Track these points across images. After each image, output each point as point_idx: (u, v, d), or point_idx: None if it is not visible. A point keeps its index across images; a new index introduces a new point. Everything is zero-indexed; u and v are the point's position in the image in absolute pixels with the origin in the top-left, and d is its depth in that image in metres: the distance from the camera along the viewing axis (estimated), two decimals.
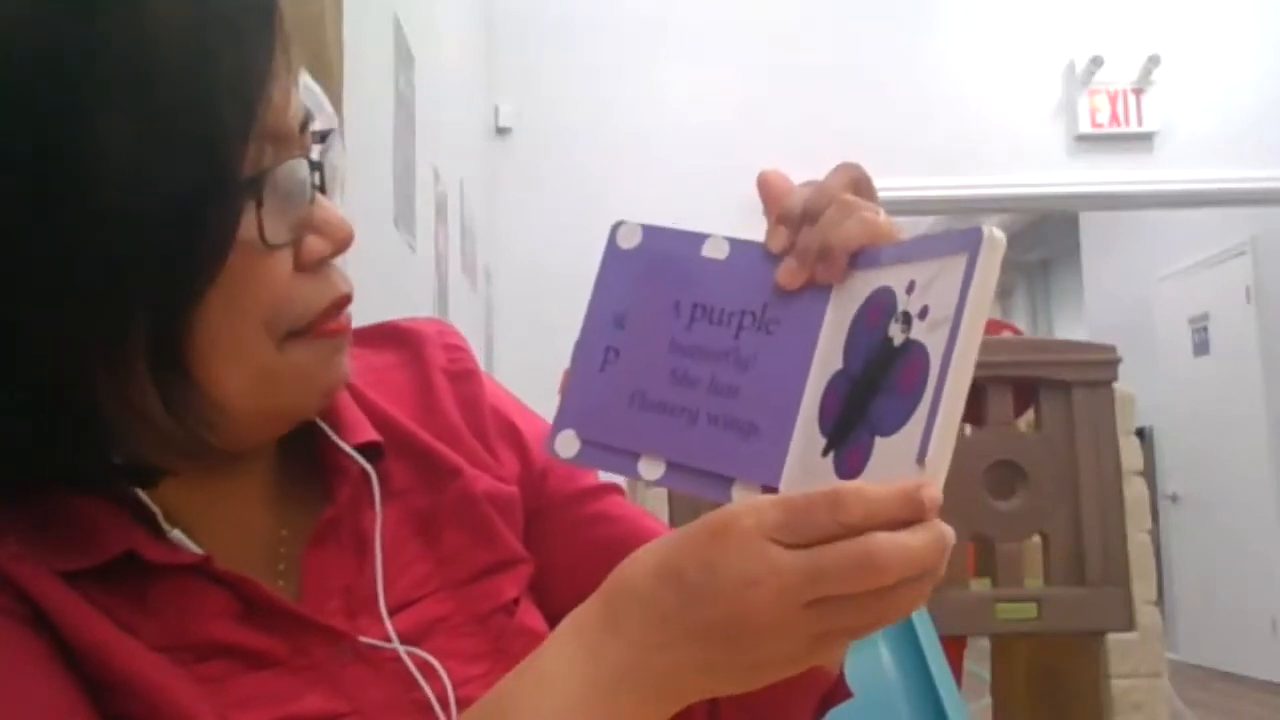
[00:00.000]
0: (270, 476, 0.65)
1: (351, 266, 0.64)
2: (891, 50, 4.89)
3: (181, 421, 0.56)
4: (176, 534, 0.58)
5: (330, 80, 1.70)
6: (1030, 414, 2.29)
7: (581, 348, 0.59)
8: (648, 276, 0.58)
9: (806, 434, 0.54)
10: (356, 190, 1.75)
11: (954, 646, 3.02)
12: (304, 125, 0.60)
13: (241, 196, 0.54)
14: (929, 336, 0.49)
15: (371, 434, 0.66)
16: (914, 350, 0.50)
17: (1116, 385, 2.26)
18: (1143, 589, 2.21)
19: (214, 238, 0.53)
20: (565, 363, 0.59)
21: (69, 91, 0.51)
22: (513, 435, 0.73)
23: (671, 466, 0.56)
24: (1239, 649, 6.55)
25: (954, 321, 0.48)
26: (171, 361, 0.54)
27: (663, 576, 0.49)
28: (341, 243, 0.60)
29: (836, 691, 0.67)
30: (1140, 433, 3.51)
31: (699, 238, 0.58)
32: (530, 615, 0.67)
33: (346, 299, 0.61)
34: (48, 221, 0.52)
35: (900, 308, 0.51)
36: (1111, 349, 2.29)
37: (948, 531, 0.46)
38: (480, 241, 3.98)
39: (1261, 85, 4.97)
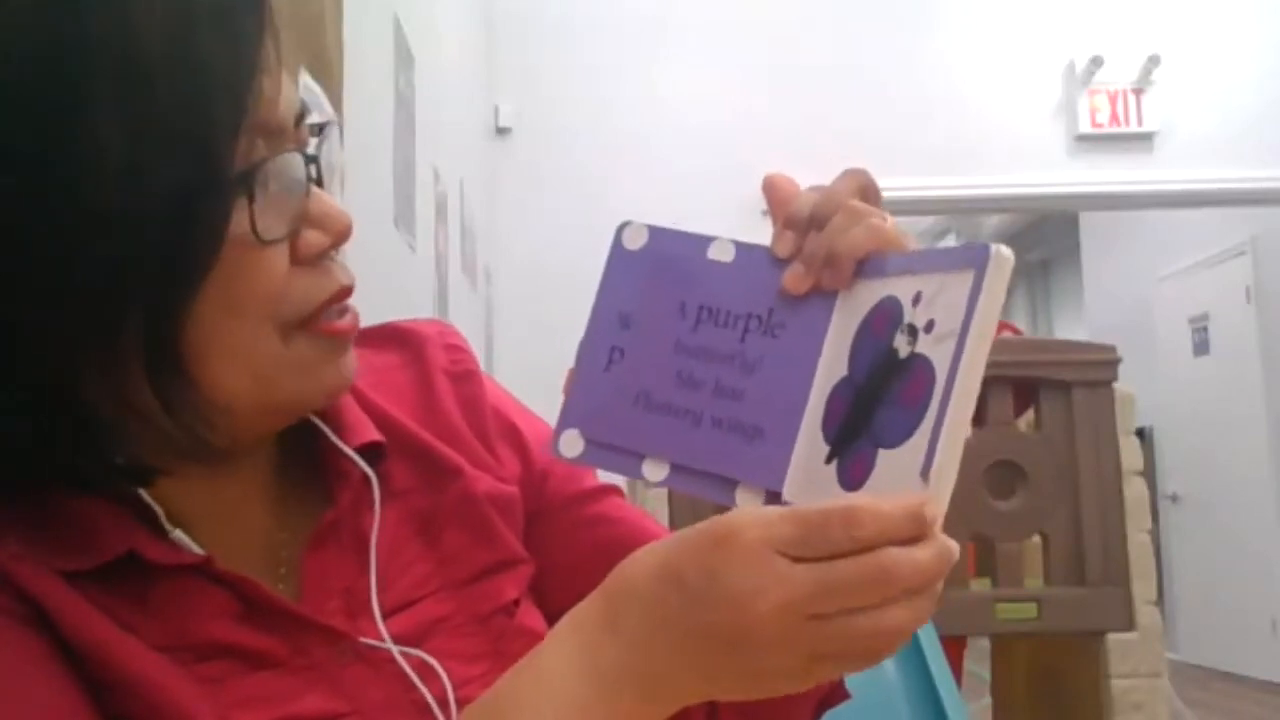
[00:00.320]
0: (270, 477, 0.65)
1: (351, 266, 0.64)
2: (891, 50, 4.89)
3: (179, 421, 0.56)
4: (178, 534, 0.58)
5: (330, 80, 1.70)
6: (1030, 414, 2.29)
7: (586, 347, 0.59)
8: (653, 277, 0.58)
9: (810, 440, 0.54)
10: (356, 190, 1.74)
11: (954, 646, 3.02)
12: (299, 119, 0.59)
13: (232, 191, 0.54)
14: (934, 350, 0.49)
15: (374, 434, 0.66)
16: (919, 364, 0.50)
17: (1116, 385, 2.26)
18: (1143, 589, 2.21)
19: (205, 234, 0.53)
20: (566, 363, 0.59)
21: (62, 91, 0.51)
22: (513, 436, 0.73)
23: (675, 468, 0.56)
24: (1239, 649, 6.55)
25: (960, 337, 0.48)
26: (168, 360, 0.54)
27: (664, 578, 0.49)
28: (339, 235, 0.60)
29: (835, 693, 0.67)
30: (1140, 433, 3.51)
31: (705, 240, 0.58)
32: (530, 616, 0.67)
33: (347, 291, 0.61)
34: (42, 221, 0.52)
35: (906, 319, 0.51)
36: (1111, 349, 2.29)
37: (952, 546, 0.47)
38: (480, 241, 3.98)
39: (1261, 85, 4.97)
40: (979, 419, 2.21)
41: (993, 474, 2.19)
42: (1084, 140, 4.98)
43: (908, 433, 0.49)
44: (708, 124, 4.72)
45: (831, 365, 0.54)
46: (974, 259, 0.49)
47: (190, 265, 0.53)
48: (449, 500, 0.68)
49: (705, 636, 0.48)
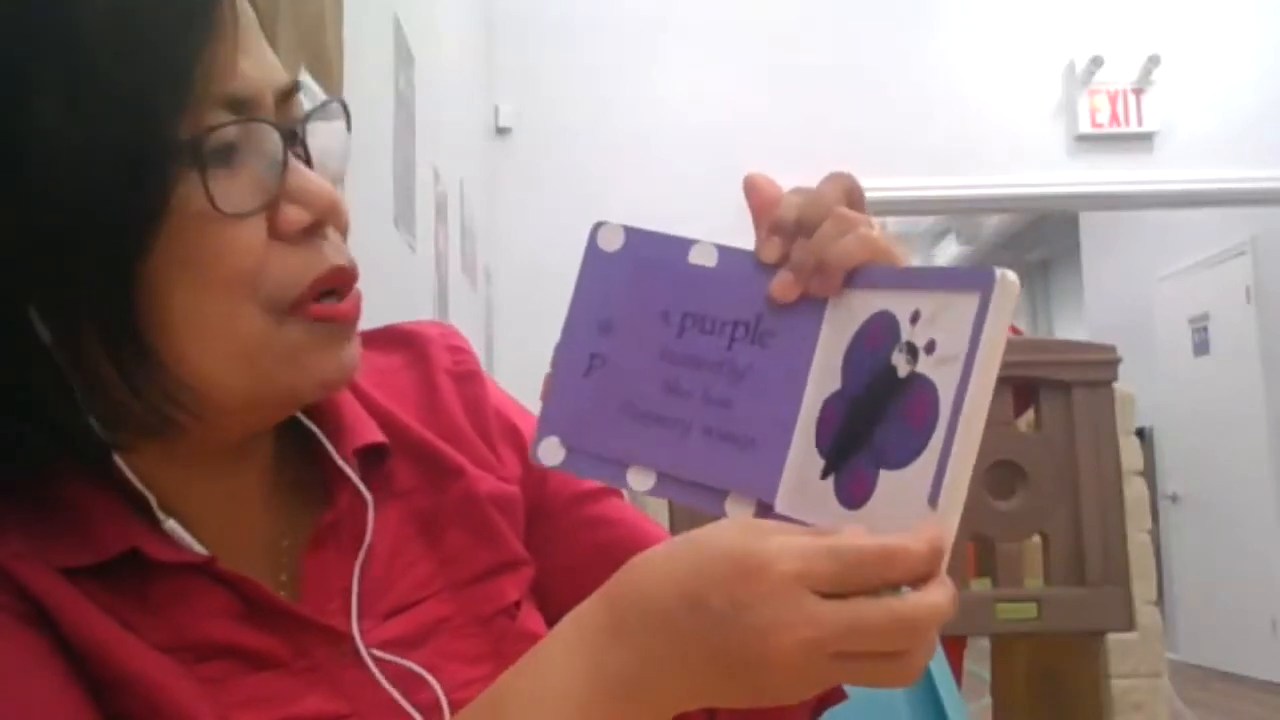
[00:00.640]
0: (271, 477, 0.65)
1: None
2: (891, 50, 4.88)
3: (144, 397, 0.55)
4: (172, 524, 0.58)
5: (330, 80, 1.70)
6: (1030, 414, 2.29)
7: (563, 352, 0.57)
8: (634, 282, 0.57)
9: (803, 452, 0.53)
10: (356, 190, 1.74)
11: (954, 646, 3.03)
12: (287, 96, 0.59)
13: (174, 159, 0.53)
14: (937, 372, 0.49)
15: (377, 435, 0.66)
16: (921, 384, 0.49)
17: (1116, 385, 2.26)
18: (1143, 589, 2.21)
19: (145, 201, 0.53)
20: None
21: (1, 62, 0.52)
22: (514, 437, 0.72)
23: (662, 477, 0.55)
24: (1239, 649, 6.55)
25: (966, 363, 0.47)
26: (125, 332, 0.54)
27: (683, 598, 0.48)
28: (322, 211, 0.58)
29: (833, 693, 0.67)
30: (1140, 433, 3.51)
31: (685, 243, 0.57)
32: (532, 619, 0.67)
33: (341, 272, 0.59)
34: None
35: (904, 337, 0.50)
36: (1111, 349, 2.29)
37: (952, 586, 0.48)
38: (480, 241, 3.98)
39: (1261, 85, 4.97)
40: None
41: (993, 474, 2.19)
42: (1084, 140, 4.98)
43: (912, 455, 0.48)
44: (708, 124, 4.72)
45: (824, 377, 0.53)
46: (979, 282, 0.48)
47: (134, 233, 0.53)
48: (451, 500, 0.67)
49: (722, 660, 0.47)
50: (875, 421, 0.50)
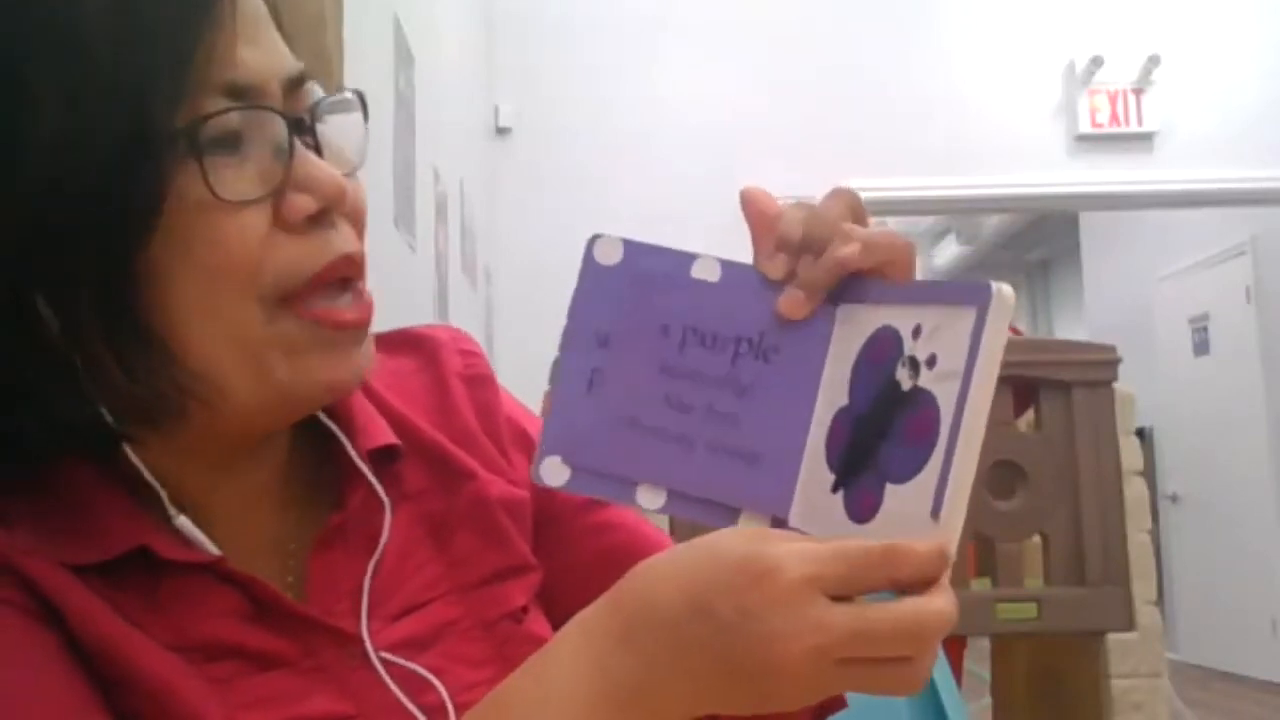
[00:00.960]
0: (282, 478, 0.65)
1: None
2: (891, 50, 4.89)
3: (145, 385, 0.55)
4: (183, 520, 0.58)
5: (330, 80, 1.70)
6: (1030, 414, 2.29)
7: (563, 368, 0.56)
8: (633, 296, 0.56)
9: (813, 467, 0.53)
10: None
11: (954, 646, 3.03)
12: (294, 84, 0.58)
13: (171, 146, 0.53)
14: (937, 387, 0.49)
15: (389, 437, 0.66)
16: (923, 399, 0.49)
17: (1116, 385, 2.26)
18: (1143, 589, 2.21)
19: (142, 188, 0.52)
20: None
21: (2, 50, 0.52)
22: (525, 442, 0.72)
23: (673, 494, 0.55)
24: (1239, 649, 6.55)
25: (964, 378, 0.48)
26: (127, 321, 0.54)
27: (690, 605, 0.48)
28: (329, 198, 0.57)
29: (833, 702, 0.67)
30: (1140, 433, 3.51)
31: (687, 257, 0.56)
32: (538, 624, 0.67)
33: (347, 260, 0.58)
34: None
35: (907, 352, 0.51)
36: (1111, 349, 2.29)
37: (953, 596, 0.48)
38: (480, 241, 3.98)
39: (1261, 85, 4.97)
40: None
41: (993, 474, 2.19)
42: (1084, 140, 4.98)
43: (915, 469, 0.49)
44: (708, 124, 4.72)
45: (832, 393, 0.53)
46: (975, 297, 0.48)
47: (132, 221, 0.53)
48: (461, 503, 0.68)
49: (728, 667, 0.47)
50: (881, 436, 0.51)
